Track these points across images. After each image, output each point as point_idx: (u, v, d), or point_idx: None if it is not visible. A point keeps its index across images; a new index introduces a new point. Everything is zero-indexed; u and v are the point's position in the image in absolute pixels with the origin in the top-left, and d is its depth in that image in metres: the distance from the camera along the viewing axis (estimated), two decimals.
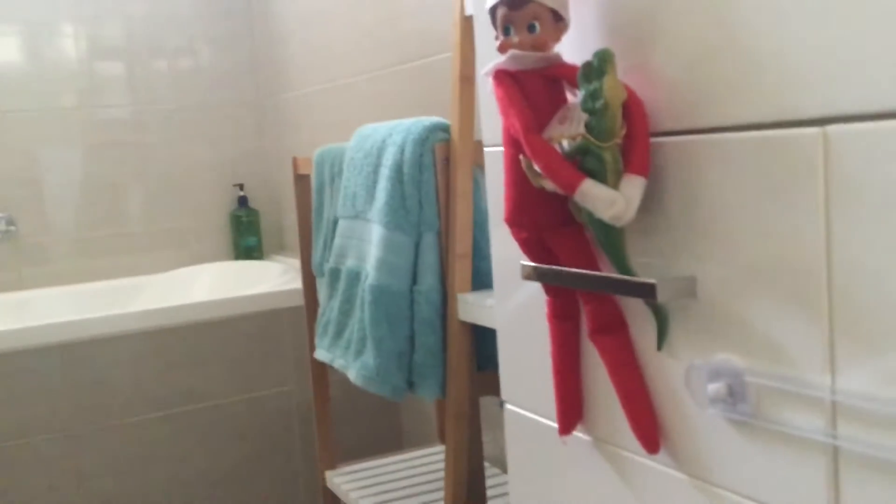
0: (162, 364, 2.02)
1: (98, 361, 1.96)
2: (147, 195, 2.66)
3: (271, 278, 2.32)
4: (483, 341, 1.28)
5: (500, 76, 0.64)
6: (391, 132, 1.34)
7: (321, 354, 1.55)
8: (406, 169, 1.28)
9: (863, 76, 0.46)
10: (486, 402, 1.39)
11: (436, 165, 1.27)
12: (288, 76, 2.58)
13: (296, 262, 2.33)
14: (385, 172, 1.32)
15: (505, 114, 0.63)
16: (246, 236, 2.73)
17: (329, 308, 1.52)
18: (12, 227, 2.49)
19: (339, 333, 1.48)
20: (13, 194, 2.49)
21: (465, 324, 1.27)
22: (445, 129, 1.28)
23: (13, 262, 2.51)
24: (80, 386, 1.94)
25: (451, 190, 1.26)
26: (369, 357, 1.34)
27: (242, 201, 2.74)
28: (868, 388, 0.48)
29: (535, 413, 0.77)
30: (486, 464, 1.53)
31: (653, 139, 0.60)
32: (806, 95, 0.49)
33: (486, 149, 0.79)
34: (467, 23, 1.20)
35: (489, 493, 1.43)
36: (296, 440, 2.17)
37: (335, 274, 1.49)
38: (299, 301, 1.80)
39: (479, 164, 1.26)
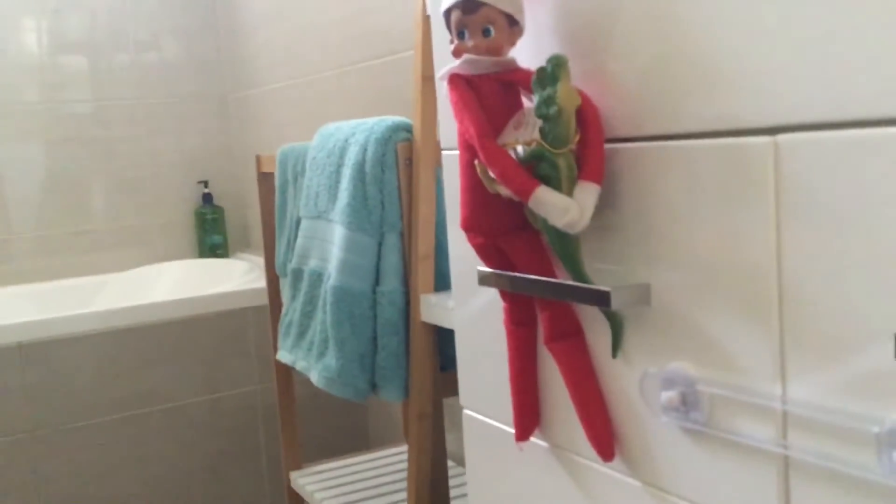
0: (124, 364, 2.00)
1: (59, 362, 1.93)
2: (110, 192, 2.62)
3: (236, 277, 2.30)
4: (447, 341, 1.28)
5: (455, 80, 0.63)
6: (354, 131, 1.33)
7: (283, 356, 1.53)
8: (368, 169, 1.26)
9: (812, 86, 0.46)
10: (451, 401, 1.39)
11: (398, 165, 1.26)
12: (252, 72, 2.56)
13: (261, 261, 2.31)
14: (347, 172, 1.30)
15: (459, 119, 0.63)
16: (211, 234, 2.70)
17: (292, 309, 1.51)
18: None
19: (301, 335, 1.46)
20: None
21: (428, 325, 1.26)
22: (408, 128, 1.27)
23: None
24: (40, 387, 1.91)
25: (414, 190, 1.26)
26: (332, 359, 1.32)
27: (207, 198, 2.70)
28: (818, 398, 0.48)
29: (493, 418, 0.76)
30: (452, 462, 1.53)
31: (607, 146, 0.59)
32: (757, 104, 0.49)
33: (444, 152, 0.78)
34: (429, 22, 1.19)
35: (454, 491, 1.42)
36: (260, 441, 2.15)
37: (298, 274, 1.48)
38: (264, 300, 1.78)
39: (442, 165, 1.25)
